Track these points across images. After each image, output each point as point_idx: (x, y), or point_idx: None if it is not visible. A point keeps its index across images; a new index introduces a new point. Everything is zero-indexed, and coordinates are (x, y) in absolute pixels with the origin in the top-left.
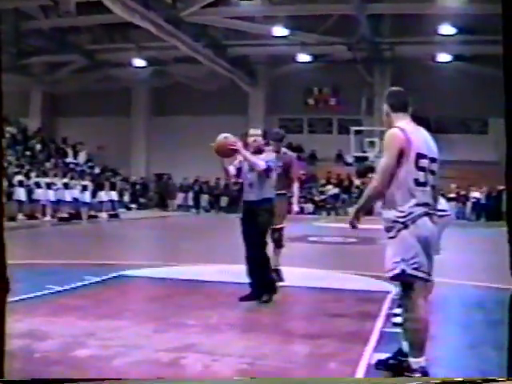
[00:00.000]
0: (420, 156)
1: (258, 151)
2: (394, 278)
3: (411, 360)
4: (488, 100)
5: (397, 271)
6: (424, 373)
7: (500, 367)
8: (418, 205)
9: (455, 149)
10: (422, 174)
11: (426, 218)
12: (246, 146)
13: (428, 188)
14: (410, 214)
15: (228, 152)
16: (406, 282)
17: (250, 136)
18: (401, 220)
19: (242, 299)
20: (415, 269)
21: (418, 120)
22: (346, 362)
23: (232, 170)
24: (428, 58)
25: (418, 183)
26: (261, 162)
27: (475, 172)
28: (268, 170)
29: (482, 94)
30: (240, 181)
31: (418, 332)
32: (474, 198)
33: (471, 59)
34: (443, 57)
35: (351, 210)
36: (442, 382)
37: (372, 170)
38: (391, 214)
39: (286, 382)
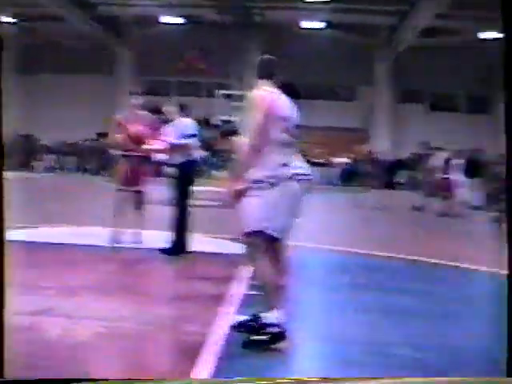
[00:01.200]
0: (284, 119)
1: None
2: (252, 235)
3: (263, 314)
4: (355, 68)
5: (255, 228)
6: (277, 326)
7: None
8: (283, 165)
9: (323, 115)
10: (285, 136)
11: (290, 179)
12: None
13: (291, 150)
14: (276, 174)
15: None
16: (262, 240)
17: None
18: (266, 180)
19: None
20: (274, 229)
21: (284, 87)
22: (205, 324)
23: None
24: (297, 23)
25: (282, 144)
26: None
27: (341, 138)
28: None
29: (350, 62)
30: None
31: (266, 285)
32: (340, 163)
33: (340, 27)
34: (312, 24)
35: (219, 174)
36: (444, 382)
37: (235, 132)
38: (258, 173)
39: (286, 383)
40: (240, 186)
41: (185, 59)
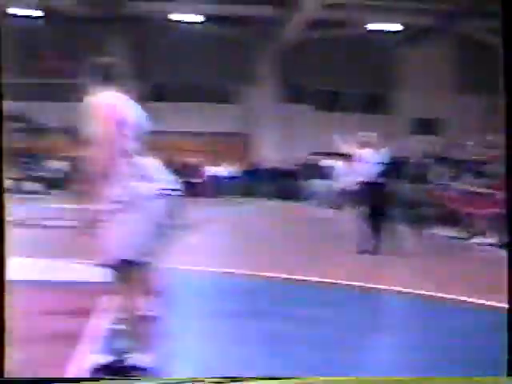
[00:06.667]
0: (128, 125)
1: None
2: (116, 265)
3: (131, 355)
4: (232, 65)
5: (122, 257)
6: (145, 370)
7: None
8: (142, 179)
9: (194, 119)
10: (132, 143)
11: (153, 196)
12: None
13: (144, 160)
14: (134, 190)
15: None
16: (126, 268)
17: None
18: (124, 198)
19: None
20: (141, 254)
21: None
22: (54, 367)
23: None
24: (164, 16)
25: (128, 154)
26: None
27: (216, 144)
28: None
29: (225, 58)
30: None
31: (135, 323)
32: (216, 172)
33: (213, 20)
34: (181, 16)
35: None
36: (439, 381)
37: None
38: (112, 191)
39: (286, 382)
40: (93, 210)
41: (41, 58)
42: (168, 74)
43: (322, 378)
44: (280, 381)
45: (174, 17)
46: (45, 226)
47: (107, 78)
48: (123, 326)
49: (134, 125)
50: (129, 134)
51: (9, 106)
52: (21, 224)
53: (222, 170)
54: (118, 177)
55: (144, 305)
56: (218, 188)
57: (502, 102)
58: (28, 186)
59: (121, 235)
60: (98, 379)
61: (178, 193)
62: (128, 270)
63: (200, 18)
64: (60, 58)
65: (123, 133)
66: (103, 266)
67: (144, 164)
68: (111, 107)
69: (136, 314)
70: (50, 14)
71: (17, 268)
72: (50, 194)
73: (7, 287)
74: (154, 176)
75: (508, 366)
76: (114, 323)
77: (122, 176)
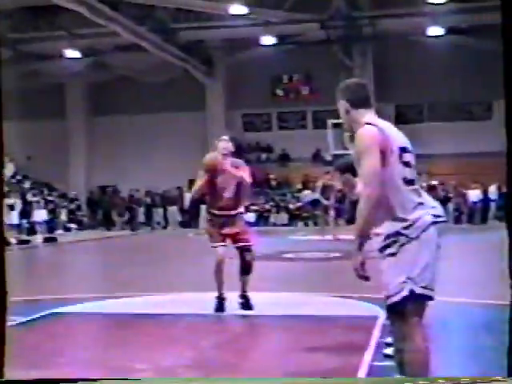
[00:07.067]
0: (403, 150)
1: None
2: (400, 303)
3: None
4: (491, 80)
5: (404, 293)
6: None
7: None
8: (418, 208)
9: (455, 139)
10: (408, 170)
11: (431, 225)
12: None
13: (417, 186)
14: (416, 221)
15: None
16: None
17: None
18: (405, 232)
19: None
20: (424, 287)
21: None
22: None
23: None
24: (416, 32)
25: (406, 181)
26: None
27: (478, 165)
28: None
29: (483, 72)
30: None
31: (417, 364)
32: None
33: (468, 31)
34: (434, 30)
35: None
36: (442, 382)
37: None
38: (391, 225)
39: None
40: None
41: (284, 85)
42: (423, 92)
43: (322, 378)
44: (280, 381)
45: (431, 32)
46: (302, 259)
47: (363, 101)
48: (396, 364)
49: (406, 149)
50: (407, 160)
51: (256, 136)
52: (275, 257)
53: (478, 193)
54: (397, 207)
55: (421, 341)
56: (483, 212)
57: None
58: (274, 217)
59: (405, 268)
60: (98, 379)
61: (444, 219)
62: (412, 305)
63: (440, 31)
64: (302, 82)
65: (403, 160)
66: (391, 304)
67: (421, 191)
68: (376, 135)
69: (414, 352)
70: (283, 38)
71: (274, 303)
72: (296, 225)
73: None
74: (430, 203)
75: (508, 366)
76: (385, 359)
77: (403, 205)
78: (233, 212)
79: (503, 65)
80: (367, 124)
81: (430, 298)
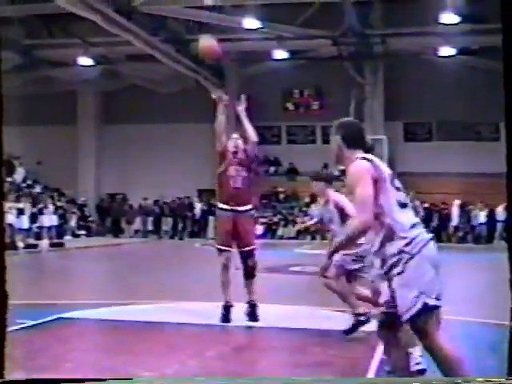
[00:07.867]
0: (392, 176)
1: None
2: (415, 317)
3: None
4: (500, 101)
5: (418, 306)
6: None
7: None
8: (415, 227)
9: (463, 158)
10: (400, 193)
11: (431, 240)
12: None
13: (410, 208)
14: (415, 238)
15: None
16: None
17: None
18: (406, 249)
19: None
20: (436, 298)
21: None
22: None
23: None
24: (427, 51)
25: (400, 204)
26: None
27: (485, 186)
28: None
29: (492, 93)
30: None
31: (455, 361)
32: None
33: (479, 52)
34: (445, 50)
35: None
36: (442, 382)
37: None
38: (393, 245)
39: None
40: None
41: (295, 100)
42: (433, 111)
43: (322, 378)
44: (280, 381)
45: (443, 52)
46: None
47: (358, 142)
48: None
49: (394, 176)
50: (398, 186)
51: (265, 149)
52: (282, 270)
53: (484, 214)
54: (399, 228)
55: (448, 346)
56: (489, 232)
57: None
58: (282, 230)
59: (415, 284)
60: (98, 379)
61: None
62: (428, 317)
63: (452, 51)
64: (313, 97)
65: (395, 185)
66: (408, 320)
67: (418, 208)
68: (367, 166)
69: (448, 359)
70: (295, 53)
71: (280, 316)
72: (304, 238)
73: None
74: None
75: (508, 366)
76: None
77: (402, 226)
78: (241, 208)
79: (503, 66)
80: (358, 159)
81: (439, 307)
